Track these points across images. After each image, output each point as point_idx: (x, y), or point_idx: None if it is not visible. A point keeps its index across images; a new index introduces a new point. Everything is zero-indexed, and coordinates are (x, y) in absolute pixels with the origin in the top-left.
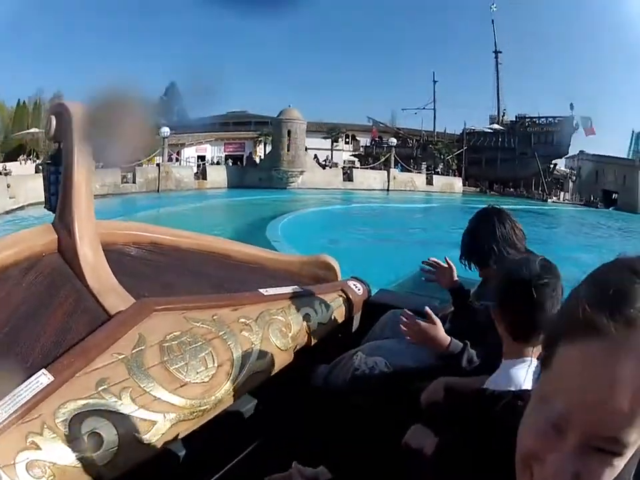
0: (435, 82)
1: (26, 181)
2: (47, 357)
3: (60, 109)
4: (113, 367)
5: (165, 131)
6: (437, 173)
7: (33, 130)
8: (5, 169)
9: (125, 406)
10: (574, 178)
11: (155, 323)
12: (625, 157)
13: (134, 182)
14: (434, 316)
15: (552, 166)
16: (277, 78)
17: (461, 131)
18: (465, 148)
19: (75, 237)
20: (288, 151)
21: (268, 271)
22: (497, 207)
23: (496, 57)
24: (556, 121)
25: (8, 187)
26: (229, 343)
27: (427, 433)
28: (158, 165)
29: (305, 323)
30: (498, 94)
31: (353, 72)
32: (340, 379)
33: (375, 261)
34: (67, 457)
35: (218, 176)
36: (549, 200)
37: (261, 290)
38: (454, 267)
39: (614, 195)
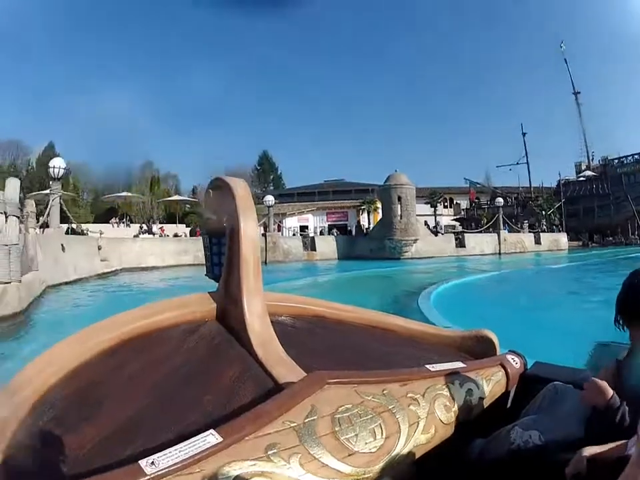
0: (524, 134)
1: (120, 244)
2: (211, 419)
3: (220, 184)
4: (284, 433)
5: (270, 199)
6: (544, 231)
7: (124, 193)
8: (100, 231)
9: (293, 470)
10: None
11: (328, 395)
12: None
13: None
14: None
15: None
16: (371, 147)
17: (557, 183)
18: (562, 201)
19: (243, 306)
20: (400, 218)
21: (430, 345)
22: None
23: (576, 98)
24: None
25: (99, 248)
26: (397, 417)
27: None
28: (264, 235)
29: (467, 398)
30: (585, 137)
31: (446, 134)
32: (495, 454)
33: (527, 330)
34: None
35: (327, 247)
36: None
37: (427, 365)
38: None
39: None
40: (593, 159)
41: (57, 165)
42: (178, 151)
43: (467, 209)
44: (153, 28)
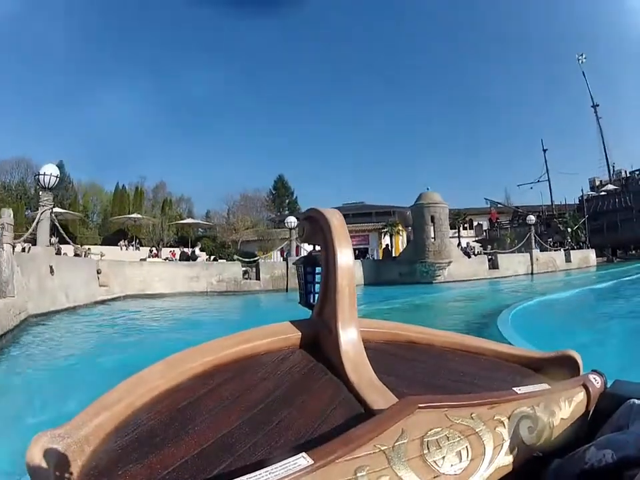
0: (544, 150)
1: (123, 268)
2: (302, 442)
3: (314, 215)
4: (374, 456)
5: (292, 221)
6: (573, 248)
7: (134, 215)
8: (101, 253)
9: None
10: None
11: (418, 419)
12: None
13: (257, 278)
14: None
15: None
16: (389, 170)
17: (579, 199)
18: (586, 216)
19: (338, 333)
20: (434, 240)
21: (515, 366)
22: None
23: (595, 112)
24: None
25: (99, 272)
26: (483, 439)
27: None
28: (284, 259)
29: (549, 419)
30: (605, 150)
31: (463, 155)
32: (569, 474)
33: (605, 348)
34: None
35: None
36: None
37: (514, 388)
38: None
39: None
40: (613, 172)
41: (48, 172)
42: (191, 174)
43: (488, 229)
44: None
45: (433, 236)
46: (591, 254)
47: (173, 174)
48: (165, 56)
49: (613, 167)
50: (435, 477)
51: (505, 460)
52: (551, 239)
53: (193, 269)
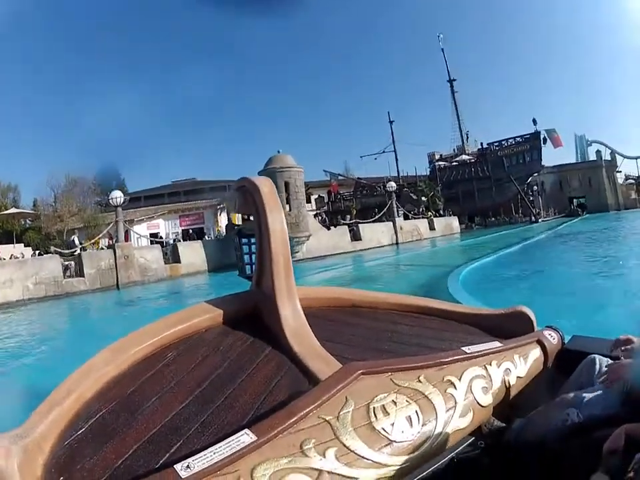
0: (391, 122)
1: None
2: (247, 418)
3: (246, 184)
4: (319, 428)
5: (118, 196)
6: (435, 216)
7: (12, 210)
8: None
9: (328, 463)
10: (540, 193)
11: (362, 386)
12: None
13: (81, 275)
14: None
15: (535, 186)
16: (219, 144)
17: (431, 169)
18: (440, 185)
19: (276, 303)
20: (289, 210)
21: (466, 326)
22: None
23: (451, 86)
24: (523, 139)
25: None
26: (434, 402)
27: None
28: (110, 247)
29: (504, 378)
30: (459, 123)
31: (300, 123)
32: (533, 435)
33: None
34: None
35: (194, 255)
36: (540, 219)
37: (463, 347)
38: None
39: (578, 201)
40: (467, 145)
41: None
42: (19, 160)
43: (331, 201)
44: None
45: (288, 206)
46: (454, 221)
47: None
48: None
49: (467, 136)
50: (386, 445)
51: (461, 422)
52: (401, 209)
53: (4, 270)
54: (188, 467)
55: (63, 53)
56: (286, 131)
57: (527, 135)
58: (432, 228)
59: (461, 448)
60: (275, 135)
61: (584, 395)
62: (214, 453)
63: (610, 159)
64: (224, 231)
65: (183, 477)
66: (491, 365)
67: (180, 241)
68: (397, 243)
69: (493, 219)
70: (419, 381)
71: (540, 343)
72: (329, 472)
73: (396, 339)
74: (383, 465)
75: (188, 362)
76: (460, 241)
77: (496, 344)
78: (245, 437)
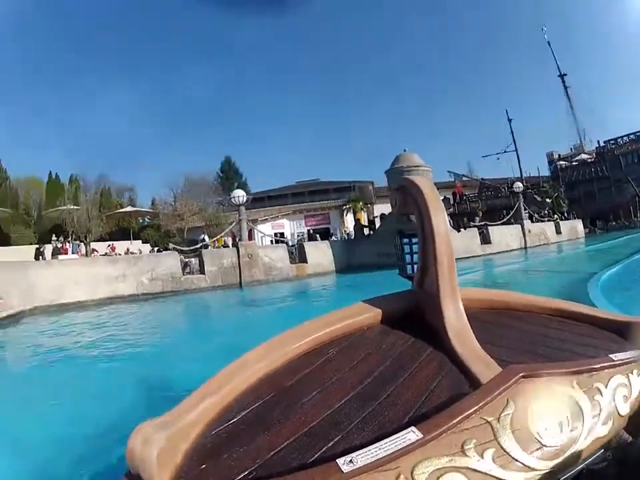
0: (510, 120)
1: (26, 270)
2: (409, 416)
3: (407, 184)
4: (480, 429)
5: (240, 194)
6: (561, 219)
7: (67, 207)
8: None
9: (485, 464)
10: None
11: (523, 389)
12: None
13: (201, 272)
14: None
15: None
16: (345, 144)
17: (552, 169)
18: (562, 186)
19: (440, 303)
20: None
21: (609, 333)
22: None
23: (563, 81)
24: (637, 137)
25: None
26: (583, 409)
27: None
28: (235, 245)
29: None
30: (575, 120)
31: (424, 128)
32: None
33: None
34: None
35: (321, 256)
36: None
37: (610, 355)
38: None
39: None
40: (585, 142)
41: None
42: (135, 162)
43: (456, 202)
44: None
45: None
46: (579, 225)
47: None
48: None
49: (584, 133)
50: (537, 449)
51: (602, 430)
52: (526, 211)
53: (117, 265)
54: (351, 461)
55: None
56: (405, 129)
57: None
58: (558, 232)
59: (592, 459)
60: (393, 132)
61: None
62: (379, 449)
63: None
64: (351, 231)
65: (345, 471)
66: (632, 373)
67: (305, 240)
68: (525, 247)
69: (614, 222)
70: (572, 387)
71: None
72: (484, 473)
73: (549, 344)
74: (531, 469)
75: (349, 359)
76: (586, 246)
77: (636, 353)
78: (412, 435)
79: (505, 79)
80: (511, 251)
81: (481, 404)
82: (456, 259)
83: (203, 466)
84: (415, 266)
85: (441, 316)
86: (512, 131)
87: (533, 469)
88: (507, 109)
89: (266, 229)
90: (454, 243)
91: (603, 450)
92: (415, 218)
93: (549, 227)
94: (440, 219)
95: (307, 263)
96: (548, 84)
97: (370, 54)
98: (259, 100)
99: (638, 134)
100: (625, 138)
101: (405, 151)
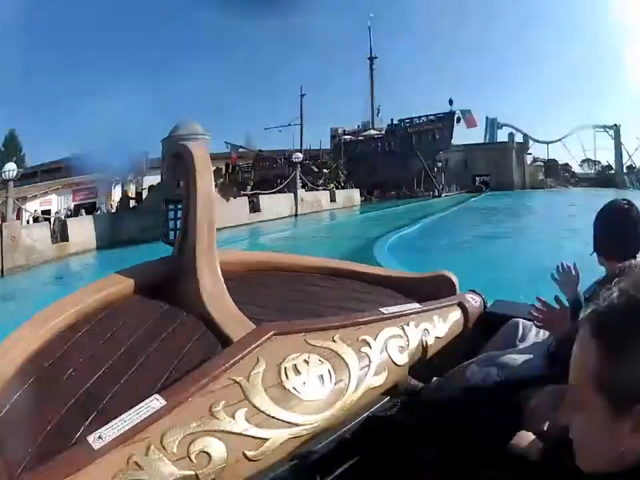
0: (302, 96)
1: None
2: (161, 382)
3: (180, 149)
4: (229, 389)
5: (11, 169)
6: (337, 188)
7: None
8: None
9: (238, 425)
10: (443, 170)
11: (275, 346)
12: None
13: None
14: (563, 303)
15: (439, 163)
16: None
17: (336, 143)
18: (343, 159)
19: (195, 267)
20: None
21: (387, 289)
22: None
23: (371, 63)
24: (437, 118)
25: None
26: (347, 361)
27: (533, 439)
28: None
29: (422, 338)
30: (372, 100)
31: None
32: (451, 392)
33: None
34: (169, 475)
35: (84, 232)
36: (443, 194)
37: (381, 309)
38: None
39: (481, 179)
40: (379, 119)
41: None
42: None
43: (228, 173)
44: None
45: None
46: (355, 194)
47: None
48: None
49: (378, 110)
50: (296, 404)
51: (375, 380)
52: (301, 180)
53: None
54: (100, 437)
55: None
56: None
57: (442, 113)
58: (333, 200)
59: (377, 406)
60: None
61: (506, 355)
62: (124, 422)
63: (522, 141)
64: (117, 205)
65: (96, 448)
66: (408, 325)
67: (72, 217)
68: (296, 215)
69: (393, 192)
70: (333, 341)
71: (461, 305)
72: (239, 434)
73: (313, 301)
74: (293, 425)
75: (105, 331)
76: (359, 213)
77: (415, 305)
78: (155, 402)
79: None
80: (281, 218)
81: (227, 364)
82: (225, 227)
83: None
84: (178, 232)
85: (195, 279)
86: (301, 106)
87: (297, 424)
88: (302, 85)
89: (35, 205)
90: (222, 211)
91: (389, 397)
92: (183, 182)
93: (323, 195)
94: (204, 183)
95: (68, 241)
96: (354, 66)
97: None
98: None
99: (439, 115)
100: (423, 118)
101: (184, 120)
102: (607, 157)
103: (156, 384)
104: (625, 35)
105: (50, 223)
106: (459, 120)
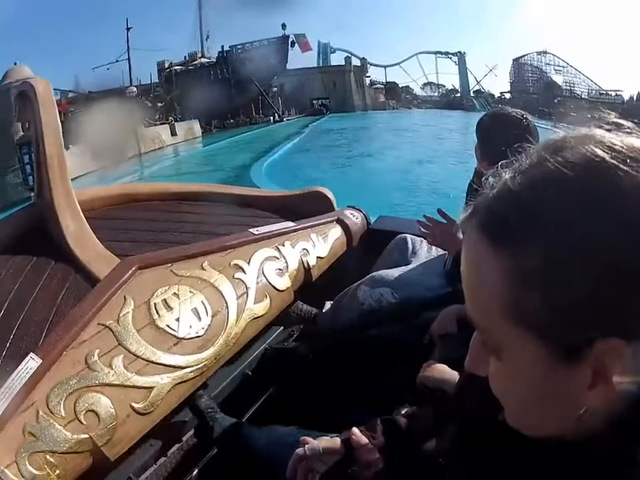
0: (128, 29)
1: None
2: (37, 340)
3: (24, 88)
4: (100, 336)
5: None
6: (177, 120)
7: None
8: None
9: (118, 375)
10: (279, 94)
11: (141, 281)
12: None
13: None
14: (449, 216)
15: (274, 87)
16: None
17: (165, 74)
18: (177, 90)
19: (55, 210)
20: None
21: (259, 210)
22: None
23: None
24: (269, 42)
25: None
26: (221, 290)
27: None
28: None
29: (302, 259)
30: (200, 27)
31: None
32: (347, 317)
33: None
34: (64, 442)
35: None
36: (285, 118)
37: (250, 230)
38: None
39: (319, 101)
40: (207, 48)
41: None
42: None
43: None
44: None
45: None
46: (196, 125)
47: None
48: None
49: (207, 36)
50: (175, 344)
51: (257, 309)
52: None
53: None
54: None
55: None
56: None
57: (274, 38)
58: (174, 134)
59: (272, 338)
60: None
61: (399, 273)
62: (9, 389)
63: (360, 65)
64: None
65: None
66: (284, 245)
67: None
68: (140, 154)
69: (232, 120)
70: (203, 269)
71: (340, 222)
72: (121, 385)
73: (180, 229)
74: (177, 368)
75: None
76: (203, 146)
77: (288, 224)
78: (32, 362)
79: None
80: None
81: (94, 308)
82: None
83: None
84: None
85: (57, 222)
86: (128, 40)
87: (180, 367)
88: (128, 18)
89: None
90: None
91: (282, 327)
92: (30, 121)
93: (163, 129)
94: (50, 118)
95: None
96: None
97: None
98: None
99: (272, 39)
100: (256, 43)
101: (15, 64)
102: (450, 81)
103: (35, 341)
104: None
105: None
106: (293, 44)
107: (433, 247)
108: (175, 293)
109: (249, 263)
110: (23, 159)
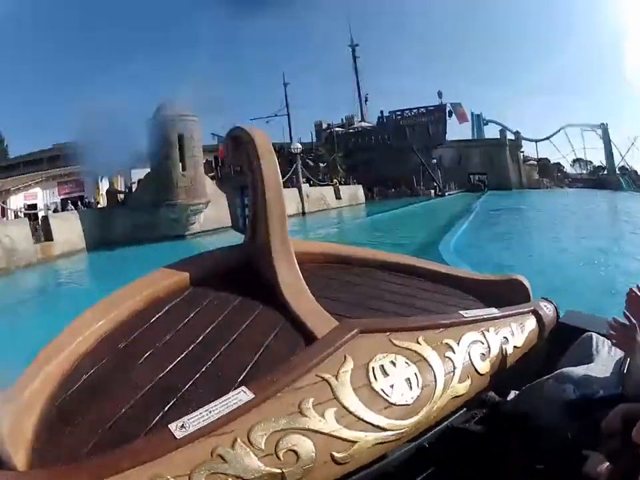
0: (285, 85)
1: None
2: (244, 374)
3: (238, 133)
4: (318, 387)
5: None
6: (340, 184)
7: None
8: None
9: (328, 425)
10: (438, 167)
11: (361, 344)
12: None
13: None
14: (632, 319)
15: (434, 160)
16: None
17: (325, 136)
18: (339, 153)
19: (271, 256)
20: (185, 171)
21: (458, 291)
22: None
23: (353, 51)
24: (427, 110)
25: None
26: (432, 365)
27: (604, 462)
28: None
29: (502, 346)
30: (359, 89)
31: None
32: (528, 407)
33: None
34: (255, 471)
35: (70, 231)
36: (447, 193)
37: (461, 312)
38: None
39: (476, 177)
40: (365, 112)
41: None
42: None
43: (218, 167)
44: None
45: (183, 164)
46: (360, 190)
47: None
48: None
49: (366, 99)
50: (385, 407)
51: (459, 388)
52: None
53: None
54: (183, 426)
55: None
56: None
57: (432, 106)
58: (338, 197)
59: (456, 416)
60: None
61: (581, 372)
62: (209, 412)
63: (514, 138)
64: (105, 200)
65: (178, 437)
66: (488, 331)
67: (60, 212)
68: (303, 213)
69: (393, 189)
70: (418, 343)
71: (536, 313)
72: (328, 434)
73: (390, 299)
74: (381, 429)
75: (181, 317)
76: (367, 215)
77: (493, 310)
78: (242, 395)
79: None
80: (288, 216)
81: (315, 360)
82: (227, 227)
83: (49, 442)
84: (248, 219)
85: (272, 270)
86: (286, 95)
87: (384, 429)
88: (284, 72)
89: (20, 200)
90: (225, 209)
91: (465, 409)
92: (246, 168)
93: (328, 191)
94: (271, 169)
95: (52, 240)
96: (334, 55)
97: None
98: None
99: (429, 108)
100: (414, 111)
101: (170, 99)
102: (597, 156)
103: (238, 376)
104: (617, 35)
105: (29, 219)
106: (450, 114)
107: (613, 347)
108: (392, 361)
109: (458, 344)
110: (235, 201)
